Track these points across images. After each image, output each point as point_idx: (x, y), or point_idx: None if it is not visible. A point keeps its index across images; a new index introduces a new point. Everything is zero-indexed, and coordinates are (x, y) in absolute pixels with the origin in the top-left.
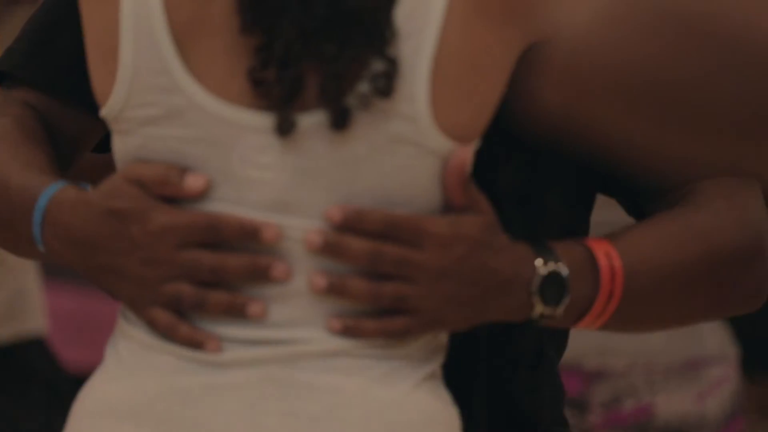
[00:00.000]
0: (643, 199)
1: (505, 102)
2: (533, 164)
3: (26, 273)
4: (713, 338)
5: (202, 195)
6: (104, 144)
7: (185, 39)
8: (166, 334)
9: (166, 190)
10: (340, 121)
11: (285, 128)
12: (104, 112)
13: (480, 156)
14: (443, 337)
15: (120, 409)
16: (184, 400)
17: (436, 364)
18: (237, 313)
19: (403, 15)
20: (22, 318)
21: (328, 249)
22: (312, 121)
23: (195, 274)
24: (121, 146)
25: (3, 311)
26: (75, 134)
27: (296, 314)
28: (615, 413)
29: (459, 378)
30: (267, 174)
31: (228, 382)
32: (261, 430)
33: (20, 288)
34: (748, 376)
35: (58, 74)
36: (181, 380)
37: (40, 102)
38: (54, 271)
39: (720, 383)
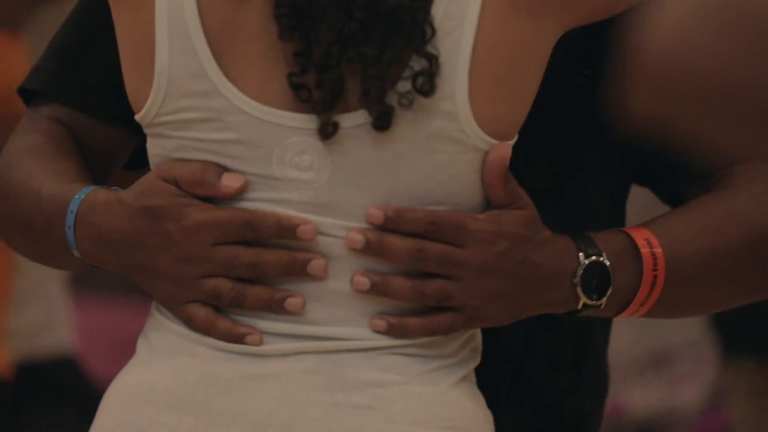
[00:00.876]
0: (681, 184)
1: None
2: (568, 157)
3: (54, 290)
4: (681, 329)
5: (240, 195)
6: (136, 161)
7: (220, 43)
8: (204, 330)
9: (202, 190)
10: (383, 121)
11: (327, 131)
12: (139, 116)
13: (516, 150)
14: (479, 339)
15: (159, 397)
16: (226, 389)
17: (471, 366)
18: (276, 307)
19: (440, 13)
20: (51, 336)
21: (369, 248)
22: (353, 122)
23: (232, 271)
24: (157, 149)
25: (31, 329)
26: (106, 148)
27: (337, 313)
28: None
29: (487, 382)
30: (307, 175)
31: (269, 372)
32: (306, 420)
33: (48, 306)
34: (732, 364)
35: (86, 90)
36: (220, 369)
37: (70, 117)
38: (86, 286)
39: (693, 374)
